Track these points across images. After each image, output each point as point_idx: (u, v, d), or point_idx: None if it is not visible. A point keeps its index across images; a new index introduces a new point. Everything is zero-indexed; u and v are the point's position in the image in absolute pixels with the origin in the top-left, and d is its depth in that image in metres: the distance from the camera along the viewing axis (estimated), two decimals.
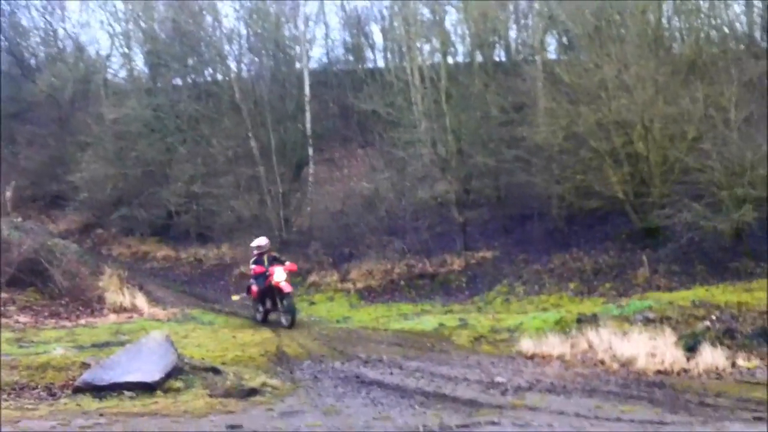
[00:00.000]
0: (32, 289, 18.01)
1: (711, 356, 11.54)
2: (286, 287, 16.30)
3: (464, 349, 13.56)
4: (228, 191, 27.36)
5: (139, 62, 35.96)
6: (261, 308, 17.31)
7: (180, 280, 26.34)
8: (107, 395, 9.32)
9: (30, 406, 8.81)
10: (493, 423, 8.33)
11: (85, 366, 10.36)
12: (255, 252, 17.27)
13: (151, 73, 34.24)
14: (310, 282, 22.73)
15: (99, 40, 47.28)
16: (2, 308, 16.37)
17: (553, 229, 22.31)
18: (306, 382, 10.96)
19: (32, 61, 39.65)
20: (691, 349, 11.88)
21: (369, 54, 34.88)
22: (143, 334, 11.98)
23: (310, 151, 28.70)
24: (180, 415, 8.58)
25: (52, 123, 34.79)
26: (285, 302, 16.35)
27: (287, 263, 17.04)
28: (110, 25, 36.52)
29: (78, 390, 9.48)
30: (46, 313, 16.99)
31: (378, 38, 34.49)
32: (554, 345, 12.79)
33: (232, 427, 8.05)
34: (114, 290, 18.91)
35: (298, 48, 31.06)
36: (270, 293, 16.71)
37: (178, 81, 33.15)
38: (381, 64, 32.21)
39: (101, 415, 8.50)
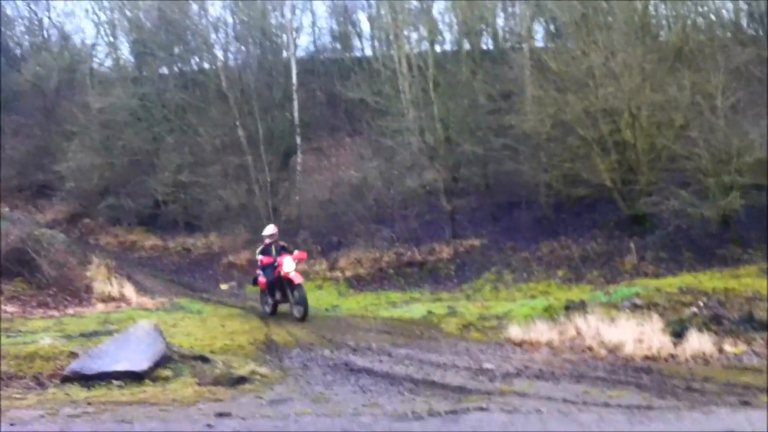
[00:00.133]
0: (19, 279, 17.88)
1: (698, 342, 11.58)
2: (297, 278, 15.59)
3: (453, 337, 13.58)
4: (216, 180, 27.29)
5: (125, 51, 35.92)
6: (270, 300, 16.54)
7: (168, 270, 26.29)
8: (95, 384, 9.29)
9: (18, 396, 8.78)
10: (482, 409, 8.35)
11: (73, 355, 10.32)
12: (267, 241, 16.39)
13: (137, 62, 34.10)
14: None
15: (84, 29, 46.78)
16: None
17: (541, 216, 22.37)
18: (295, 370, 10.96)
19: (17, 51, 39.40)
20: (678, 335, 11.92)
21: (356, 42, 34.90)
22: (131, 324, 11.93)
23: (298, 139, 28.64)
24: (169, 403, 8.57)
25: (37, 113, 34.56)
26: (296, 293, 15.63)
27: (296, 252, 16.42)
28: (95, 13, 36.68)
29: (66, 379, 9.45)
30: (33, 303, 16.91)
31: (365, 26, 34.50)
32: (542, 332, 12.81)
33: (221, 415, 8.04)
34: (102, 280, 18.86)
35: (284, 36, 30.99)
36: (279, 284, 15.96)
37: (165, 70, 33.01)
38: (368, 52, 32.15)
39: (89, 404, 8.47)
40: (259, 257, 16.33)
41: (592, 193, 21.09)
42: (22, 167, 33.14)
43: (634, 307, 13.67)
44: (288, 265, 15.61)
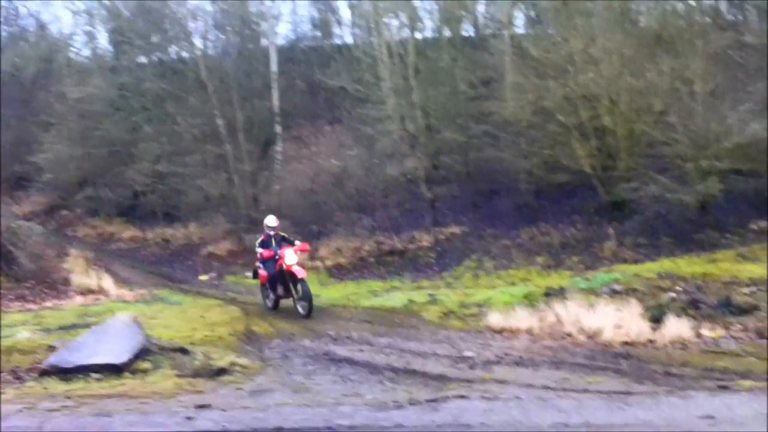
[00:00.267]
0: None
1: (676, 327, 11.67)
2: (300, 272, 14.63)
3: (433, 325, 13.61)
4: (195, 170, 27.11)
5: (103, 40, 35.59)
6: (272, 295, 15.65)
7: (147, 261, 26.16)
8: (74, 377, 9.26)
9: None
10: (462, 397, 8.39)
11: (52, 349, 10.25)
12: (269, 232, 15.48)
13: (115, 51, 33.82)
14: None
15: (61, 19, 46.52)
16: None
17: (521, 203, 22.41)
18: (275, 360, 10.95)
19: None
20: (656, 320, 12.01)
21: (336, 30, 34.70)
22: (110, 316, 11.86)
23: (278, 128, 28.49)
24: (148, 396, 8.54)
25: (14, 103, 34.12)
26: (300, 288, 14.78)
27: (297, 243, 15.60)
28: (73, 2, 35.95)
29: (44, 373, 9.41)
30: (11, 296, 16.81)
31: (345, 14, 34.29)
32: (522, 319, 12.87)
33: (201, 406, 8.02)
34: (80, 272, 18.77)
35: (264, 24, 30.76)
36: (281, 278, 15.07)
37: (143, 59, 32.68)
38: (349, 39, 31.95)
39: (68, 397, 8.45)
40: (259, 250, 15.41)
41: (572, 180, 21.11)
42: None
43: (613, 293, 13.77)
44: (290, 257, 14.79)
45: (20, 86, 34.31)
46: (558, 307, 12.92)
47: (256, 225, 24.47)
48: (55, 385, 9.01)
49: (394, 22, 26.77)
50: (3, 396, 8.42)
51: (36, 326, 13.36)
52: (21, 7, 37.67)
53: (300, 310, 14.83)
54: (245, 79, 28.38)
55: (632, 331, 11.72)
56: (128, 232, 28.83)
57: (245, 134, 26.82)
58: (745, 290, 13.28)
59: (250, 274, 17.57)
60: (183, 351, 10.42)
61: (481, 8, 28.83)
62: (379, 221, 23.17)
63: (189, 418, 7.60)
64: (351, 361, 10.66)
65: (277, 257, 15.04)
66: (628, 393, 8.57)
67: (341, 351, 11.43)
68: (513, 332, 12.61)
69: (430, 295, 16.32)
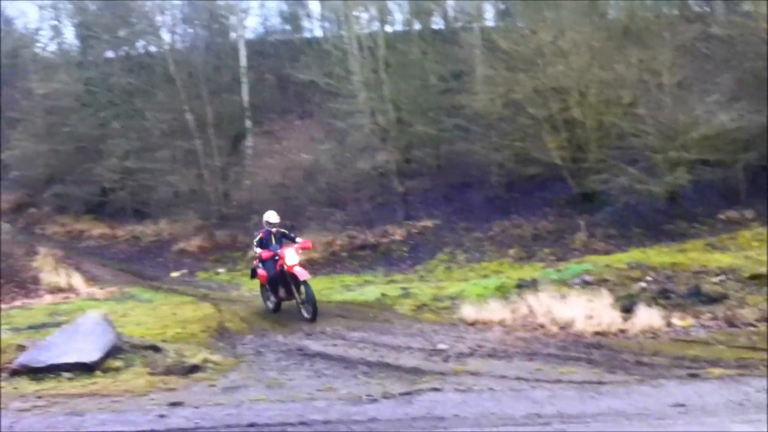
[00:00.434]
0: None
1: (647, 316, 11.77)
2: (302, 273, 13.46)
3: (407, 318, 13.61)
4: (164, 166, 26.90)
5: (69, 35, 35.16)
6: (273, 297, 14.43)
7: (117, 258, 25.91)
8: (45, 377, 9.21)
9: None
10: (436, 389, 8.42)
11: (22, 348, 10.15)
12: (271, 230, 14.21)
13: (82, 46, 33.39)
14: (251, 256, 22.51)
15: (27, 13, 45.75)
16: None
17: (493, 196, 22.51)
18: (248, 356, 10.90)
19: None
20: (627, 310, 12.10)
21: (306, 23, 34.57)
22: (80, 314, 11.75)
23: (248, 123, 28.32)
24: (120, 394, 8.49)
25: None
26: (303, 291, 13.65)
27: (299, 240, 14.40)
28: None
29: (15, 373, 9.35)
30: None
31: (315, 7, 34.18)
32: (495, 311, 12.90)
33: (174, 404, 7.98)
34: (49, 270, 18.58)
35: (233, 18, 30.53)
36: (283, 280, 13.85)
37: (110, 53, 32.41)
38: (318, 33, 31.91)
39: (39, 397, 8.38)
40: (258, 251, 14.13)
41: (543, 172, 21.23)
42: None
43: (585, 284, 13.85)
44: (290, 257, 13.62)
45: None
46: (530, 298, 12.97)
47: (227, 221, 24.49)
48: (26, 385, 8.94)
49: (364, 15, 26.75)
50: None
51: (5, 325, 13.23)
52: None
53: (304, 313, 13.67)
54: (214, 73, 28.18)
55: (603, 321, 11.80)
56: (98, 230, 28.54)
57: (215, 129, 26.64)
58: (715, 279, 13.44)
59: (222, 270, 17.36)
60: (155, 348, 10.37)
61: (450, 1, 28.90)
62: (352, 215, 23.14)
63: (162, 416, 7.56)
64: (325, 356, 10.64)
65: (277, 257, 13.88)
66: (600, 382, 8.65)
67: (315, 346, 11.40)
68: (486, 324, 12.63)
69: (403, 288, 16.32)
